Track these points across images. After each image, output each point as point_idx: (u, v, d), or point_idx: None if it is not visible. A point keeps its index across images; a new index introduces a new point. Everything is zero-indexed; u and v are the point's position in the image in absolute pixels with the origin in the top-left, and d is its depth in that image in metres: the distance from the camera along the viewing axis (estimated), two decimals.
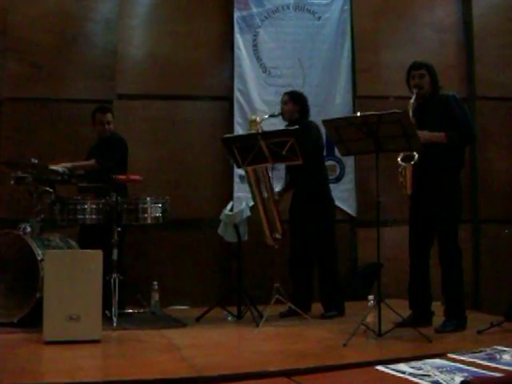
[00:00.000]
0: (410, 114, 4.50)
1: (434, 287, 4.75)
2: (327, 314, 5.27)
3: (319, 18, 6.85)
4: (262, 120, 5.35)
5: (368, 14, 6.96)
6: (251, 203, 6.13)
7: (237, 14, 6.71)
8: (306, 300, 5.38)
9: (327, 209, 5.47)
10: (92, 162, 5.49)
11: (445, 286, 4.60)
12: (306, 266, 5.45)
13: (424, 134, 4.46)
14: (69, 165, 5.36)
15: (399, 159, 4.50)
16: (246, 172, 5.16)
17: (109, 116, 5.66)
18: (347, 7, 6.89)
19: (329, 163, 6.28)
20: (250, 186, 5.13)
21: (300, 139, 4.83)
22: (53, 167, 5.12)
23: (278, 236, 5.11)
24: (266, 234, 5.11)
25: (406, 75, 4.79)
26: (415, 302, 4.76)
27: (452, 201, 4.61)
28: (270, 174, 5.14)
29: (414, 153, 4.43)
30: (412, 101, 4.60)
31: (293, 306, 5.15)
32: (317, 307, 5.42)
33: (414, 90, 4.66)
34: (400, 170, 4.50)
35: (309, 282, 5.47)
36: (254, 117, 5.43)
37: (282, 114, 5.50)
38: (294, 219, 5.41)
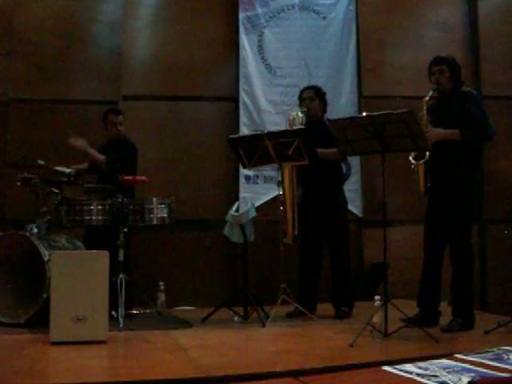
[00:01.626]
0: (424, 110, 4.50)
1: (442, 287, 4.73)
2: (340, 312, 5.23)
3: (324, 18, 6.84)
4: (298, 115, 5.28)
5: (373, 14, 6.95)
6: (257, 203, 6.16)
7: (242, 15, 6.71)
8: (311, 301, 5.36)
9: (342, 207, 5.47)
10: (103, 158, 5.47)
11: (454, 285, 4.58)
12: (315, 265, 5.43)
13: (438, 131, 4.46)
14: (84, 144, 5.44)
15: (411, 158, 4.50)
16: (282, 170, 5.15)
17: (121, 118, 5.70)
18: (352, 7, 6.88)
19: None
20: (283, 183, 5.13)
21: (308, 141, 4.83)
22: (59, 168, 5.13)
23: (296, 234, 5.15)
24: (289, 233, 5.11)
25: (428, 71, 4.71)
26: (424, 300, 4.73)
27: (465, 200, 4.56)
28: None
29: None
30: (427, 98, 4.56)
31: (299, 307, 5.14)
32: (321, 308, 5.42)
33: (432, 88, 4.60)
34: (413, 167, 4.49)
35: (316, 283, 5.45)
36: (293, 114, 5.31)
37: (308, 110, 5.36)
38: (308, 217, 5.33)
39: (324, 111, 5.49)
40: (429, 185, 4.54)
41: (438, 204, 4.65)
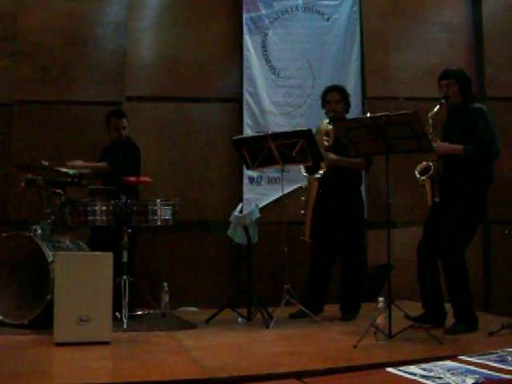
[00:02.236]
0: (430, 124, 4.48)
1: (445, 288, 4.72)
2: (345, 317, 5.22)
3: (328, 19, 6.85)
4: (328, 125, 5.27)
5: (377, 15, 6.95)
6: (261, 205, 6.16)
7: (246, 16, 6.72)
8: (318, 300, 5.35)
9: (358, 210, 5.45)
10: (104, 164, 5.50)
11: (449, 291, 4.56)
12: (326, 266, 5.39)
13: (442, 146, 4.45)
14: (83, 164, 5.39)
15: (416, 172, 4.50)
16: (309, 183, 5.20)
17: (124, 121, 5.68)
18: (356, 8, 6.88)
19: None
20: (309, 195, 5.15)
21: (313, 142, 4.84)
22: (63, 169, 5.14)
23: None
24: (308, 231, 5.13)
25: (438, 84, 4.69)
26: (427, 302, 4.72)
27: (466, 215, 4.51)
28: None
29: (430, 164, 4.44)
30: (433, 112, 4.53)
31: (303, 308, 5.14)
32: (329, 309, 5.42)
33: (439, 101, 4.56)
34: (420, 182, 4.49)
35: (325, 283, 5.42)
36: (323, 127, 5.29)
37: (333, 114, 5.31)
38: (324, 217, 5.30)
39: (347, 112, 5.44)
40: (437, 199, 4.50)
41: (439, 213, 4.60)
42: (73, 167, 5.27)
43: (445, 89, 4.60)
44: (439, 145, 4.47)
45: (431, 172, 4.46)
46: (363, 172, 5.56)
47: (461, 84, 4.60)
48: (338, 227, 5.30)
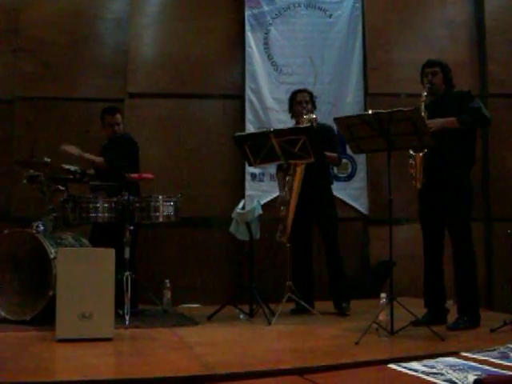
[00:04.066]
0: (423, 108, 4.52)
1: (446, 285, 4.73)
2: (343, 310, 5.25)
3: (330, 16, 6.84)
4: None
5: (379, 12, 6.94)
6: (263, 201, 6.16)
7: (248, 12, 6.72)
8: (307, 296, 5.35)
9: (334, 203, 5.55)
10: (100, 159, 5.42)
11: (458, 284, 4.58)
12: (308, 263, 5.47)
13: (436, 122, 4.48)
14: (78, 152, 5.34)
15: (410, 150, 4.51)
16: (294, 170, 5.19)
17: (118, 117, 5.59)
18: (358, 5, 6.88)
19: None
20: (293, 183, 5.16)
21: (314, 139, 4.84)
22: (65, 166, 5.13)
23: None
24: (288, 232, 5.12)
25: (420, 74, 4.80)
26: (431, 300, 4.73)
27: (463, 198, 4.58)
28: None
29: None
30: (423, 97, 4.61)
31: (302, 302, 5.14)
32: (325, 306, 5.43)
33: (426, 86, 4.67)
34: (411, 161, 4.50)
35: (311, 280, 5.48)
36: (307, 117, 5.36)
37: (307, 113, 5.41)
38: (301, 216, 5.37)
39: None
40: (424, 180, 4.52)
41: (433, 202, 4.65)
42: (69, 150, 5.25)
43: (430, 76, 4.72)
44: (433, 121, 4.49)
45: (426, 150, 4.47)
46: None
47: (444, 72, 4.75)
48: (312, 225, 5.42)
